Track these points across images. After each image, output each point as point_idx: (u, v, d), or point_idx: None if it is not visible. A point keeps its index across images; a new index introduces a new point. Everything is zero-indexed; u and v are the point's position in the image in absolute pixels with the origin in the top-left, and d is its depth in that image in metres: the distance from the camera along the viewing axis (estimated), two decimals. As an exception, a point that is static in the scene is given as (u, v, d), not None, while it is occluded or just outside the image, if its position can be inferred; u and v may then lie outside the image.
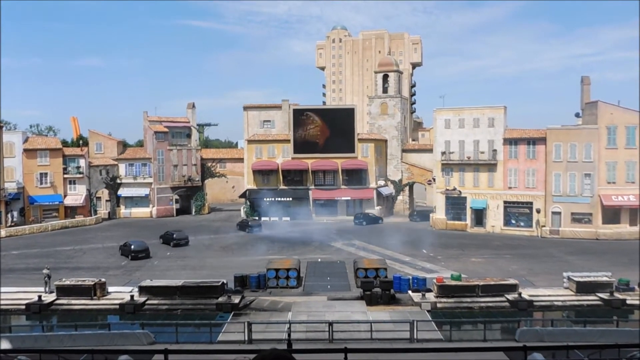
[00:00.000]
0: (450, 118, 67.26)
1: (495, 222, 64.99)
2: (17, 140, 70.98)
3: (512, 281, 36.62)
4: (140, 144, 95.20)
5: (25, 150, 70.71)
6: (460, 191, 66.71)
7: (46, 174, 71.83)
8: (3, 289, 37.44)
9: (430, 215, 71.06)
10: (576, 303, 35.16)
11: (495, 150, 64.71)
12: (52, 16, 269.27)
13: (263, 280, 38.52)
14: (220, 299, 35.05)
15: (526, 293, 35.70)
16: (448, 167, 67.39)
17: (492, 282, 36.36)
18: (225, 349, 25.02)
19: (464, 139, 66.37)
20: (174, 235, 56.86)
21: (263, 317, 32.63)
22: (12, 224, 67.01)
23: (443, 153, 67.49)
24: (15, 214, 68.55)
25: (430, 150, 75.34)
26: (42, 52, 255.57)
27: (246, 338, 27.37)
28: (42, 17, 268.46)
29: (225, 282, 37.05)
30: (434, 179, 70.26)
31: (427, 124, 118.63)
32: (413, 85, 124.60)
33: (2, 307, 34.26)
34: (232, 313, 33.49)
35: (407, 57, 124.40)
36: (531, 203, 63.07)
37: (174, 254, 52.23)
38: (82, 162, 74.70)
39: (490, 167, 64.99)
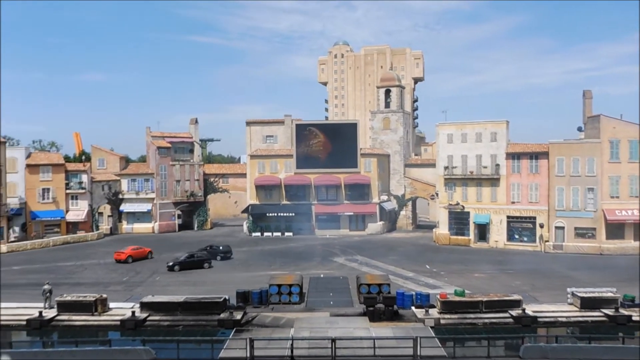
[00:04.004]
0: (453, 132, 67.28)
1: (498, 237, 64.71)
2: (20, 155, 71.15)
3: (515, 297, 36.28)
4: (142, 159, 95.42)
5: (28, 166, 70.86)
6: (463, 206, 66.53)
7: (48, 189, 71.89)
8: (4, 305, 37.33)
9: (434, 230, 70.80)
10: (580, 319, 34.70)
11: (498, 165, 64.64)
12: (55, 31, 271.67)
13: (265, 296, 38.24)
14: (222, 315, 34.78)
15: (530, 309, 35.36)
16: (451, 181, 67.28)
17: (496, 298, 36.01)
18: (227, 366, 24.75)
19: (466, 153, 66.34)
20: (220, 248, 58.75)
21: (265, 333, 32.33)
22: (14, 239, 66.98)
23: (446, 168, 67.44)
24: (17, 229, 68.54)
25: (433, 165, 75.38)
26: (44, 67, 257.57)
27: (248, 354, 27.10)
28: (45, 32, 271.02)
29: (227, 297, 36.80)
30: (437, 194, 70.10)
31: (429, 139, 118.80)
32: (415, 100, 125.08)
33: (3, 322, 34.15)
34: (234, 329, 33.17)
35: (409, 72, 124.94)
36: (534, 218, 62.84)
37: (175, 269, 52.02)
38: (84, 178, 74.78)
39: (493, 181, 64.87)
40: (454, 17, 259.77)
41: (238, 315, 34.71)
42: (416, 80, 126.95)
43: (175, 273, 50.48)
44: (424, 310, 35.25)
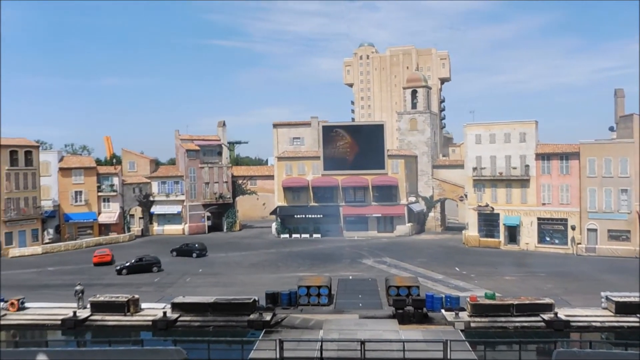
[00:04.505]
0: (481, 133, 66.57)
1: (529, 239, 63.79)
2: (53, 159, 72.83)
3: (547, 300, 35.76)
4: (172, 162, 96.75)
5: (61, 169, 72.46)
6: (492, 207, 65.76)
7: (81, 192, 73.37)
8: (40, 304, 38.41)
9: (463, 232, 70.15)
10: (616, 324, 33.99)
11: (527, 166, 63.74)
12: (83, 36, 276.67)
13: (294, 298, 38.44)
14: (252, 316, 35.08)
15: (562, 313, 34.80)
16: (480, 183, 66.58)
17: (527, 301, 35.55)
18: (258, 367, 24.88)
19: (495, 154, 65.57)
20: (196, 246, 61.75)
21: (294, 334, 32.48)
22: (49, 241, 68.57)
23: (474, 169, 66.75)
24: (51, 231, 70.17)
25: (461, 166, 74.69)
26: (74, 73, 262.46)
27: (278, 356, 27.29)
28: (73, 37, 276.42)
29: (256, 299, 37.09)
30: (466, 195, 69.45)
31: (457, 140, 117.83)
32: (442, 101, 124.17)
33: (40, 322, 35.14)
34: (264, 330, 33.43)
35: (435, 73, 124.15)
36: (566, 220, 61.76)
37: (205, 271, 52.61)
38: (115, 180, 76.12)
39: (523, 182, 63.98)
40: (479, 17, 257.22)
41: (267, 317, 34.96)
42: (442, 81, 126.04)
43: (204, 274, 51.04)
44: (454, 313, 34.99)
